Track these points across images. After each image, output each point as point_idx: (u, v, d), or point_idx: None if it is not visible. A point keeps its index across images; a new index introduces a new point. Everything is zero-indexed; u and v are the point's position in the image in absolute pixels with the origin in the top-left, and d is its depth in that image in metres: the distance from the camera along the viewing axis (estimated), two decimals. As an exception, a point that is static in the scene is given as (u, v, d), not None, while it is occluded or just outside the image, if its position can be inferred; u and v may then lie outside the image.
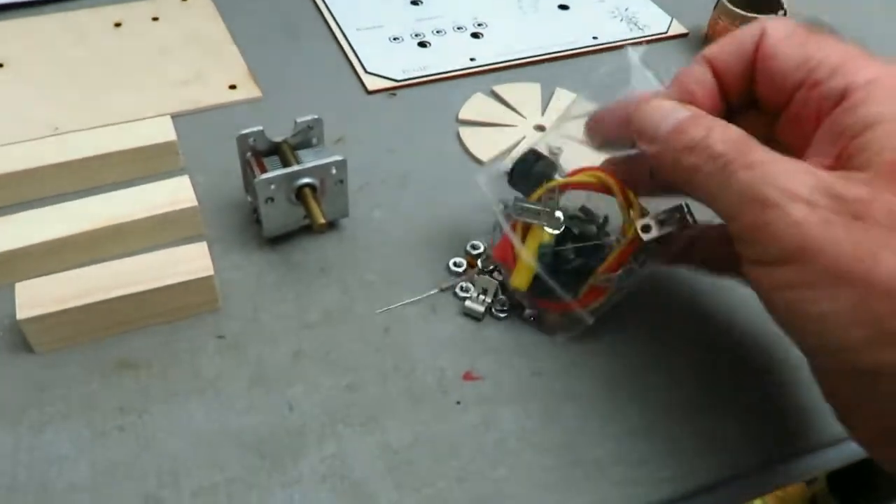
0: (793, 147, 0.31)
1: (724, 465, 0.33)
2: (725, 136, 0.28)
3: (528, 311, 0.37)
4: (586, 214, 0.38)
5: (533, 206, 0.35)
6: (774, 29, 0.32)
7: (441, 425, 0.34)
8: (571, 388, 0.35)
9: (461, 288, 0.39)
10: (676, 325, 0.39)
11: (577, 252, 0.36)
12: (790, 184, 0.26)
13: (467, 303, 0.38)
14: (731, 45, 0.32)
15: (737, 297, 0.39)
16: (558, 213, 0.35)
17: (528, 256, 0.35)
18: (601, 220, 0.38)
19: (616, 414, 0.35)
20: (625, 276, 0.34)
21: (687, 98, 0.32)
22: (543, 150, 0.37)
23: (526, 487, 0.32)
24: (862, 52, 0.30)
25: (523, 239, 0.36)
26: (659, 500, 0.32)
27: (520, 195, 0.37)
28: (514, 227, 0.36)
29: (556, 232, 0.35)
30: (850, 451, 0.36)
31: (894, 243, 0.25)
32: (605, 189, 0.35)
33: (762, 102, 0.32)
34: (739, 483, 0.34)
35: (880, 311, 0.25)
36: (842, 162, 0.28)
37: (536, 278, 0.35)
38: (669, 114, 0.31)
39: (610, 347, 0.37)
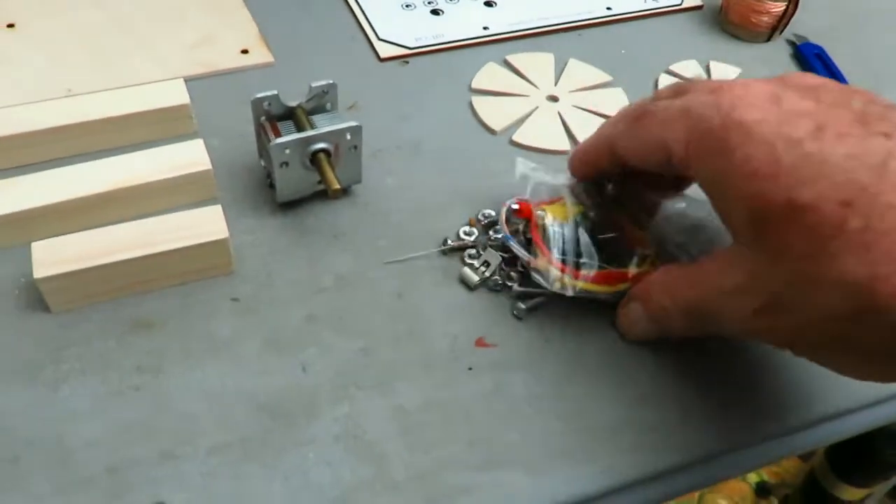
0: None
1: (732, 434, 0.34)
2: (681, 309, 0.33)
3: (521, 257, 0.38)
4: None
5: (595, 196, 0.37)
6: (613, 131, 0.34)
7: (453, 390, 0.34)
8: (582, 355, 0.36)
9: (468, 255, 0.39)
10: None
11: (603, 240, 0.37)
12: (734, 314, 0.30)
13: (464, 269, 0.38)
14: (598, 152, 0.36)
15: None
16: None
17: (575, 209, 0.36)
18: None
19: (626, 381, 0.35)
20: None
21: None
22: None
23: (537, 452, 0.32)
24: (670, 114, 0.31)
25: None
26: (667, 467, 0.33)
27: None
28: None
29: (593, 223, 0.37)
30: (852, 424, 0.37)
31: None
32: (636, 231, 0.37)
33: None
34: (747, 452, 0.34)
35: (861, 364, 0.29)
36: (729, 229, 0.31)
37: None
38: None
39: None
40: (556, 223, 0.36)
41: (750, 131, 0.28)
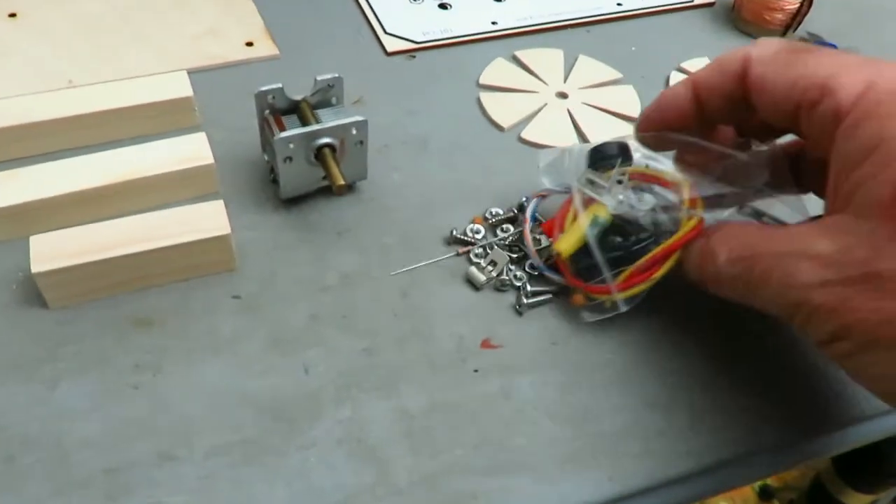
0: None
1: (742, 442, 0.33)
2: (729, 259, 0.30)
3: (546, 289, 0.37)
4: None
5: (600, 182, 0.35)
6: (759, 53, 0.31)
7: (459, 393, 0.33)
8: (590, 359, 0.35)
9: (475, 254, 0.38)
10: (699, 299, 0.38)
11: (624, 240, 0.35)
12: (803, 277, 0.27)
13: (471, 269, 0.37)
14: (715, 72, 0.33)
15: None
16: (621, 196, 0.35)
17: (584, 222, 0.34)
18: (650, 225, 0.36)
19: (635, 386, 0.34)
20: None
21: (659, 117, 0.34)
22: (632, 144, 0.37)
23: (544, 457, 0.32)
24: (850, 60, 0.29)
25: (576, 215, 0.35)
26: (676, 474, 0.32)
27: (591, 171, 0.36)
28: (571, 201, 0.36)
29: (613, 210, 0.34)
30: (865, 433, 0.36)
31: None
32: (675, 185, 0.34)
33: (774, 127, 0.32)
34: (757, 460, 0.34)
35: None
36: (846, 198, 0.28)
37: (578, 255, 0.35)
38: (694, 254, 0.33)
39: (630, 320, 0.36)
40: (577, 252, 0.34)
41: None
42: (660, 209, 0.34)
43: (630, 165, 0.36)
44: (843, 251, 0.27)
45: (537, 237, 0.37)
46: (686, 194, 0.34)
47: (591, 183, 0.35)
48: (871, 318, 0.26)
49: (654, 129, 0.35)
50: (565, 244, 0.35)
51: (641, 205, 0.34)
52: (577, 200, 0.35)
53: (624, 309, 0.34)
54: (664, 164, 0.36)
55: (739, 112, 0.33)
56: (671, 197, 0.34)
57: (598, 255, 0.34)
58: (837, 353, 0.28)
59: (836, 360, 0.29)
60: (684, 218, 0.33)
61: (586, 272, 0.35)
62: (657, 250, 0.33)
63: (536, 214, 0.38)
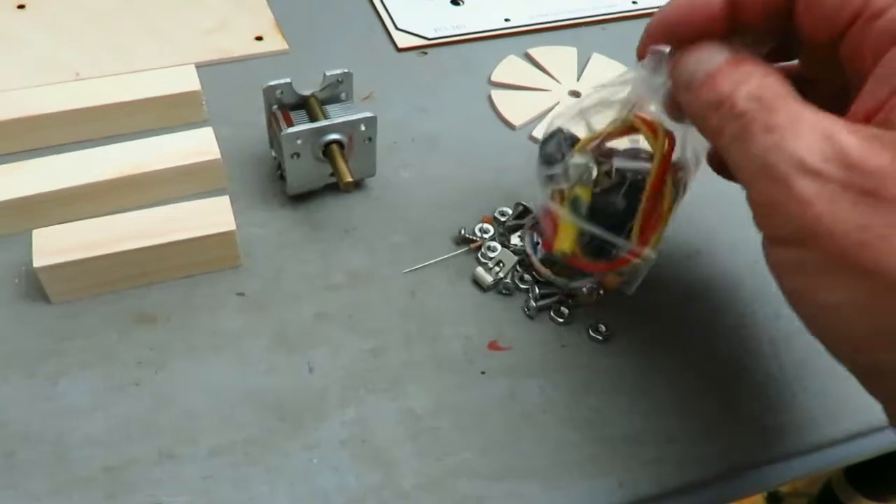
0: (853, 84, 0.26)
1: (757, 449, 0.32)
2: (753, 92, 0.25)
3: (584, 286, 0.36)
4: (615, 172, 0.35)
5: (556, 171, 0.34)
6: None
7: (466, 394, 0.33)
8: (600, 362, 0.34)
9: (482, 255, 0.37)
10: (712, 304, 0.37)
11: (614, 195, 0.33)
12: (803, 152, 0.22)
13: (478, 269, 0.37)
14: None
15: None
16: (578, 160, 0.33)
17: (565, 215, 0.33)
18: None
19: (645, 391, 0.34)
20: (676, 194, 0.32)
21: (680, 20, 0.28)
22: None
23: (551, 462, 0.31)
24: None
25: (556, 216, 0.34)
26: (688, 482, 0.31)
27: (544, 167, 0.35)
28: (553, 198, 0.34)
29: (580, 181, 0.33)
30: (881, 442, 0.35)
31: None
32: (630, 130, 0.33)
33: (807, 37, 0.27)
34: (772, 468, 0.33)
35: (884, 307, 0.21)
36: (885, 113, 0.24)
37: (590, 246, 0.33)
38: (706, 59, 0.27)
39: (641, 322, 0.36)
40: (588, 244, 0.33)
41: None
42: (623, 156, 0.33)
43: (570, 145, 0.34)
44: (862, 149, 0.22)
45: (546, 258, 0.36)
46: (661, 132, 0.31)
47: (551, 179, 0.34)
48: (852, 236, 0.22)
49: (671, 36, 0.29)
50: (564, 242, 0.33)
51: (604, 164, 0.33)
52: (552, 205, 0.34)
53: (654, 257, 0.32)
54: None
55: (778, 24, 0.28)
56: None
57: (596, 229, 0.32)
58: (786, 260, 0.24)
59: (778, 269, 0.25)
60: (660, 138, 0.31)
61: (603, 253, 0.33)
62: (648, 184, 0.31)
63: (536, 240, 0.36)
